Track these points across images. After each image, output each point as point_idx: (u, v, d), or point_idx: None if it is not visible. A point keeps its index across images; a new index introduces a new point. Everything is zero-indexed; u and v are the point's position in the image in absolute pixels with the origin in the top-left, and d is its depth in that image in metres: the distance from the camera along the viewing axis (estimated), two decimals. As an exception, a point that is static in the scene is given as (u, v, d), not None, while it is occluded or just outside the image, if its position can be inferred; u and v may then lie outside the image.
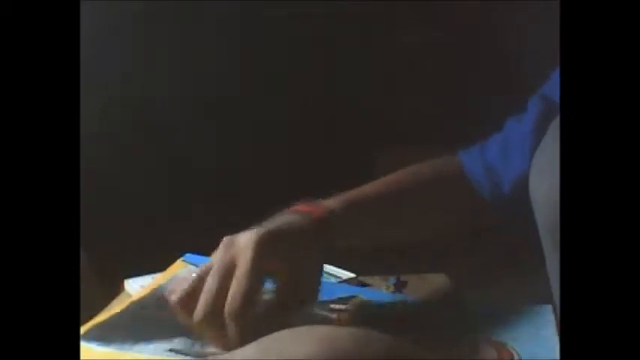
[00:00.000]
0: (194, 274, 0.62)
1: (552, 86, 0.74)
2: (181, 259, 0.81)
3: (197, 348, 0.63)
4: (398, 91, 1.31)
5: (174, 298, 0.62)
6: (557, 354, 0.59)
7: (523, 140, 0.74)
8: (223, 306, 0.59)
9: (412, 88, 1.30)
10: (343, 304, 0.71)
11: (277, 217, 0.68)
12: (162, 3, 1.19)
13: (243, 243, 0.62)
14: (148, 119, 1.21)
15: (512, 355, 0.61)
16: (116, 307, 0.72)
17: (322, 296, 0.69)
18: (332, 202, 0.72)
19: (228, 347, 0.59)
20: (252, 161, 1.25)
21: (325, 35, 1.27)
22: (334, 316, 0.69)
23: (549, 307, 0.67)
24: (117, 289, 0.79)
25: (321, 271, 0.68)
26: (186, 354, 0.62)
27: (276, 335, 0.51)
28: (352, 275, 0.83)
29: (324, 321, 0.68)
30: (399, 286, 0.79)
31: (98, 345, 0.64)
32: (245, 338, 0.57)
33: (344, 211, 0.71)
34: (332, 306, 0.70)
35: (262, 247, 0.62)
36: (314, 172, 1.27)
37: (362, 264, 0.83)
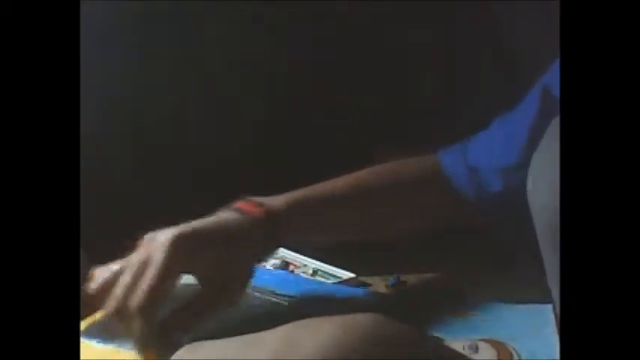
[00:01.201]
0: (113, 268, 0.63)
1: (553, 78, 0.74)
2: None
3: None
4: (398, 91, 1.31)
5: (89, 289, 0.62)
6: (557, 353, 0.59)
7: (515, 136, 0.73)
8: None
9: (412, 88, 1.30)
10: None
11: (217, 214, 0.68)
12: (162, 3, 1.19)
13: (160, 241, 0.62)
14: (148, 119, 1.21)
15: (511, 354, 0.61)
16: None
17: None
18: (277, 201, 0.71)
19: (139, 343, 0.60)
20: (252, 161, 1.25)
21: (325, 35, 1.28)
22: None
23: (549, 307, 0.67)
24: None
25: (251, 270, 0.68)
26: None
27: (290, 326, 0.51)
28: (352, 275, 0.83)
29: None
30: (399, 286, 0.79)
31: (98, 342, 0.64)
32: (152, 334, 0.59)
33: (287, 212, 0.71)
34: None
35: (178, 246, 0.62)
36: (314, 172, 1.27)
37: (362, 264, 0.83)
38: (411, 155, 0.83)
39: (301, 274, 0.84)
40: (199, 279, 0.65)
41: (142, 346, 0.60)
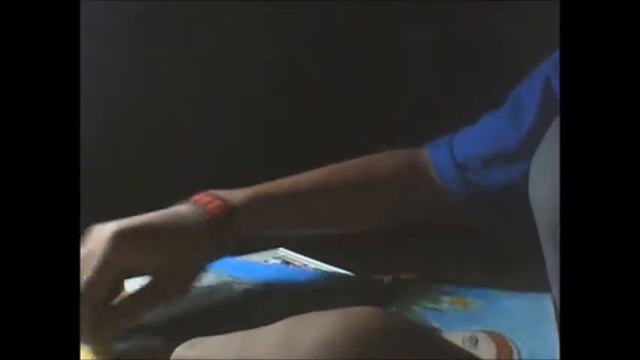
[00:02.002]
0: None
1: (554, 68, 0.73)
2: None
3: None
4: (398, 91, 1.31)
5: None
6: (557, 347, 0.59)
7: (514, 121, 0.73)
8: None
9: (412, 88, 1.30)
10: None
11: (172, 207, 0.68)
12: (162, 3, 1.19)
13: (103, 235, 0.62)
14: (148, 119, 1.21)
15: (511, 349, 0.61)
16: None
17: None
18: (238, 195, 0.70)
19: (85, 334, 0.60)
20: (252, 161, 1.25)
21: (325, 35, 1.27)
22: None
23: (548, 296, 0.67)
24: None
25: (200, 265, 0.67)
26: None
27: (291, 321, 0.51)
28: (352, 275, 0.83)
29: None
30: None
31: None
32: (97, 326, 0.59)
33: (246, 206, 0.70)
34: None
35: (120, 241, 0.62)
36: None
37: (360, 262, 0.83)
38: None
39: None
40: (148, 272, 0.65)
41: (88, 338, 0.60)
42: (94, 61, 1.09)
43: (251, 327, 0.46)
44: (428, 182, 0.78)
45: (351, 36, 1.28)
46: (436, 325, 0.65)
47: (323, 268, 0.84)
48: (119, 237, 0.62)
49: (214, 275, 0.76)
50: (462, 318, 0.66)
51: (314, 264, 0.85)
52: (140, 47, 1.19)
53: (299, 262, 0.86)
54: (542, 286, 0.65)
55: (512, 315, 0.66)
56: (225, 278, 0.76)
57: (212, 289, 0.74)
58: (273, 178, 0.75)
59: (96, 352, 0.61)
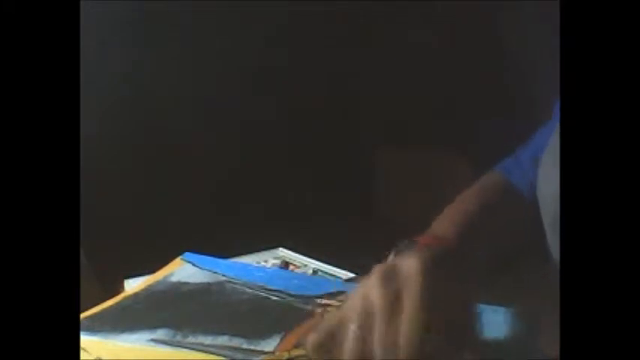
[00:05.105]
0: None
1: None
2: (180, 257, 0.82)
3: (178, 338, 0.64)
4: (398, 91, 1.31)
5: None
6: None
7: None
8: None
9: (412, 88, 1.30)
10: (330, 299, 0.71)
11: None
12: (162, 3, 1.19)
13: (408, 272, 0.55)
14: (148, 119, 1.21)
15: None
16: (110, 300, 0.73)
17: (315, 291, 0.70)
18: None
19: None
20: (252, 161, 1.25)
21: (325, 35, 1.28)
22: (320, 310, 0.69)
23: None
24: (117, 289, 0.80)
25: None
26: (166, 344, 0.64)
27: None
28: (352, 275, 0.83)
29: (309, 315, 0.67)
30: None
31: (84, 334, 0.64)
32: None
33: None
34: (318, 301, 0.70)
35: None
36: (314, 172, 1.27)
37: (363, 263, 0.83)
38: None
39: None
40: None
41: None
42: (94, 61, 1.09)
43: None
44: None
45: (351, 36, 1.28)
46: None
47: (323, 269, 0.84)
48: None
49: (210, 275, 0.77)
50: None
51: (314, 264, 0.85)
52: (140, 47, 1.20)
53: (299, 262, 0.86)
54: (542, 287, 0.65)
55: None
56: (220, 278, 0.77)
57: (207, 290, 0.74)
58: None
59: None
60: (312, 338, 0.55)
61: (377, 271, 0.56)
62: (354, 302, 0.55)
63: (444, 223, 0.70)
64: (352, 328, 0.53)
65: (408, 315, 0.52)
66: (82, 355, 0.61)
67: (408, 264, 0.55)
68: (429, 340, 0.52)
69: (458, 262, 0.61)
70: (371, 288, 0.54)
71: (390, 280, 0.54)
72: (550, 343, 0.57)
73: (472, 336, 0.56)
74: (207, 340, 0.64)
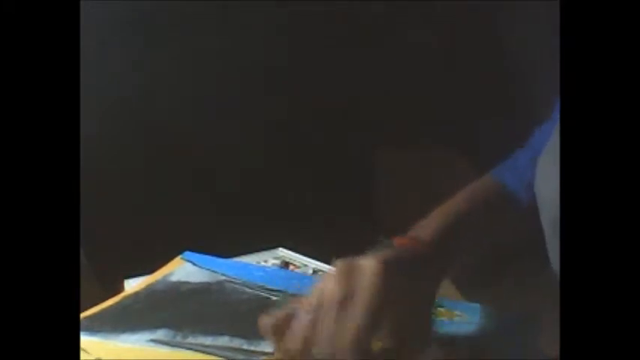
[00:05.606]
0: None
1: None
2: (180, 256, 0.82)
3: (178, 339, 0.64)
4: (398, 91, 1.31)
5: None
6: None
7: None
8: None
9: (412, 88, 1.30)
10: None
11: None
12: (162, 3, 1.19)
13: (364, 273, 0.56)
14: (148, 119, 1.21)
15: None
16: (110, 300, 0.73)
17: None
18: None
19: None
20: (252, 161, 1.25)
21: (325, 35, 1.27)
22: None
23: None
24: (117, 289, 0.80)
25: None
26: (166, 344, 0.64)
27: None
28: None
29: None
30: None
31: (84, 334, 0.65)
32: None
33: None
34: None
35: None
36: (314, 172, 1.27)
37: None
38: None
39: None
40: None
41: None
42: (94, 61, 1.09)
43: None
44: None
45: (351, 36, 1.28)
46: None
47: (323, 269, 0.84)
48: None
49: (209, 275, 0.77)
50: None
51: (314, 264, 0.85)
52: (140, 47, 1.19)
53: (299, 262, 0.86)
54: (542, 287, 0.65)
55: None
56: (220, 278, 0.77)
57: (207, 289, 0.75)
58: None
59: None
60: (266, 319, 0.56)
61: (337, 266, 0.57)
62: (312, 294, 0.56)
63: (424, 225, 0.70)
64: (304, 317, 0.55)
65: (354, 313, 0.53)
66: (82, 355, 0.61)
67: (366, 263, 0.56)
68: (376, 339, 0.53)
69: (427, 265, 0.62)
70: (327, 283, 0.56)
71: (346, 277, 0.55)
72: (550, 343, 0.57)
73: (423, 339, 0.57)
74: (208, 340, 0.64)
